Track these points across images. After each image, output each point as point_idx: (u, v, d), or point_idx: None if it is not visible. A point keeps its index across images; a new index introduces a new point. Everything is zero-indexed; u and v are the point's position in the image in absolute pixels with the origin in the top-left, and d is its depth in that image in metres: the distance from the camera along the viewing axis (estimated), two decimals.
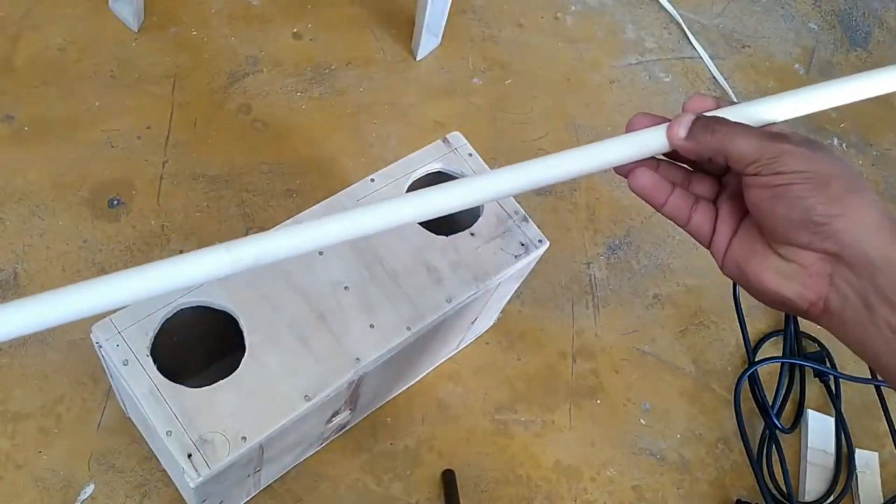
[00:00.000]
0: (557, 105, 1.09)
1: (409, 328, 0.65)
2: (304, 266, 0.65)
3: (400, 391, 0.85)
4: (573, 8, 1.19)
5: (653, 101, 1.13)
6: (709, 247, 0.50)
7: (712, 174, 0.51)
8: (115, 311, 0.59)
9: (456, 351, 0.88)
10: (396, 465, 0.82)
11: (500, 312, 0.90)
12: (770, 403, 0.92)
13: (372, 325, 0.64)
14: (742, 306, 0.96)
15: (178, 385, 0.58)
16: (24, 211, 0.86)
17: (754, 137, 0.45)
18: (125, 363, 0.58)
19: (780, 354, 0.97)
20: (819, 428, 0.93)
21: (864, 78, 0.51)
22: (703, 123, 0.47)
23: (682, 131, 0.47)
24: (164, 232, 0.87)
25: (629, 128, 0.50)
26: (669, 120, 0.49)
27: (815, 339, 0.99)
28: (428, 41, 1.06)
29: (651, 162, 0.50)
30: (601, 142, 0.49)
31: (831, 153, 0.45)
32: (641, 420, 0.90)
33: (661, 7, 1.22)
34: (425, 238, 0.69)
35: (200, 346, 0.69)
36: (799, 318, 0.99)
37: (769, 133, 0.45)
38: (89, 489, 0.74)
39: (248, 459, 0.60)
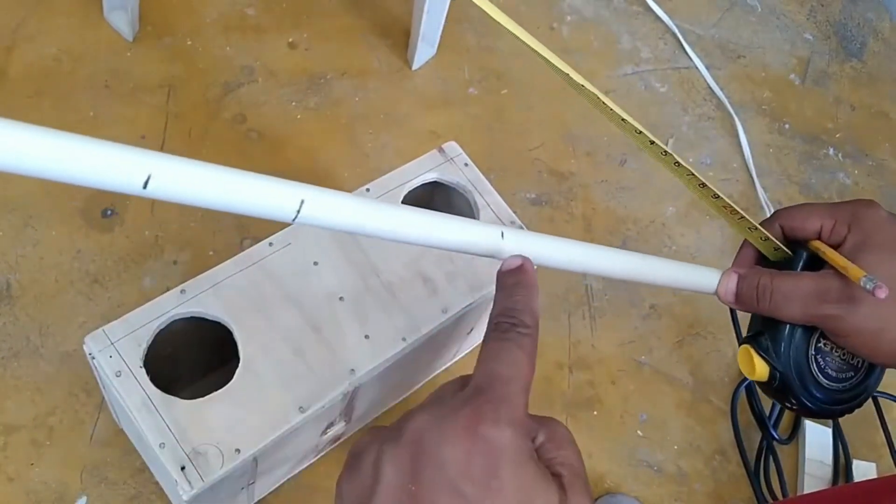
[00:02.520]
0: (553, 115, 1.09)
1: (404, 339, 0.64)
2: (299, 277, 0.65)
3: (395, 403, 0.85)
4: (569, 18, 1.19)
5: (649, 112, 1.13)
6: None
7: None
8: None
9: (452, 362, 0.88)
10: None
11: None
12: (767, 414, 0.92)
13: (367, 336, 0.63)
14: (738, 317, 0.96)
15: (171, 397, 0.58)
16: (17, 221, 0.85)
17: (796, 305, 0.47)
18: (118, 374, 0.58)
19: None
20: (816, 439, 0.92)
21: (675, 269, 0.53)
22: (746, 289, 0.50)
23: (729, 297, 0.51)
24: (157, 242, 0.87)
25: None
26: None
27: None
28: (424, 51, 1.06)
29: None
30: (668, 262, 0.53)
31: (868, 302, 0.46)
32: (638, 431, 0.90)
33: (657, 17, 1.23)
34: (420, 248, 0.68)
35: (194, 357, 0.69)
36: None
37: (814, 293, 0.47)
38: (81, 502, 0.73)
39: (242, 472, 0.60)
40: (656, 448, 0.89)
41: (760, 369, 0.50)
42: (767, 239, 0.52)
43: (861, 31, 1.32)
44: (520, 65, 1.12)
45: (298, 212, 0.31)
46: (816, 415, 0.51)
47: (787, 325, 0.49)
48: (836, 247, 0.49)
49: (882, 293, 0.42)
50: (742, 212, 0.51)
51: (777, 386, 0.50)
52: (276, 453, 0.63)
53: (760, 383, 0.51)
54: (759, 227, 0.51)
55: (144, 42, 1.00)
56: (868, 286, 0.43)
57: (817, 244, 0.50)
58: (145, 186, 0.27)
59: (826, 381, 0.50)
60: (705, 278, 0.53)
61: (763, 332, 0.50)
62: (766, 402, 0.93)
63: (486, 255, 0.43)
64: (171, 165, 0.28)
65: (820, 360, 0.50)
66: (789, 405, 0.51)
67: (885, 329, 0.45)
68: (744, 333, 0.53)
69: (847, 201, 0.50)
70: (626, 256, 0.50)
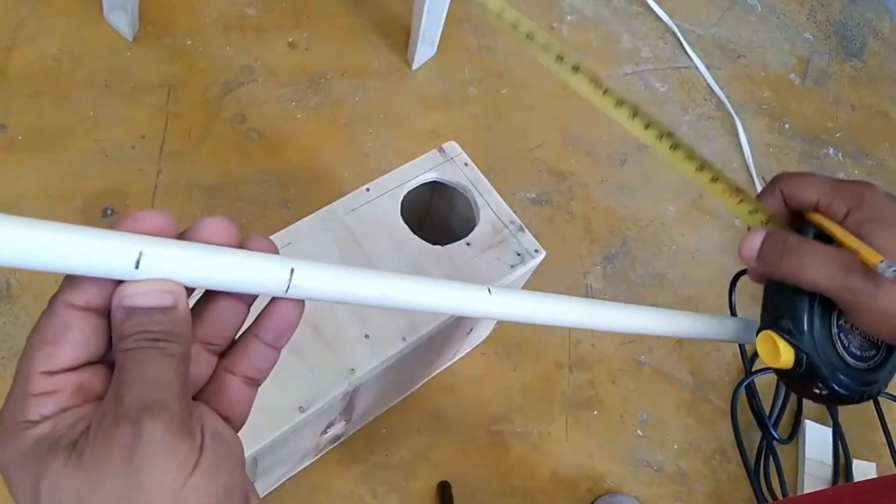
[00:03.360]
0: (553, 115, 1.09)
1: (404, 339, 0.64)
2: None
3: (395, 402, 0.85)
4: (569, 18, 1.19)
5: (649, 111, 1.13)
6: None
7: None
8: None
9: (452, 362, 0.88)
10: (392, 476, 0.81)
11: (497, 323, 0.89)
12: (767, 414, 0.92)
13: (367, 336, 0.63)
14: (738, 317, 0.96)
15: None
16: None
17: (822, 269, 0.44)
18: None
19: None
20: (817, 439, 0.92)
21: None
22: (772, 245, 0.47)
23: (752, 251, 0.47)
24: None
25: None
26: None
27: None
28: (424, 51, 1.06)
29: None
30: (691, 315, 0.50)
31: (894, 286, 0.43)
32: (638, 431, 0.90)
33: (657, 17, 1.23)
34: (420, 247, 0.68)
35: None
36: None
37: (840, 263, 0.44)
38: None
39: None
40: (656, 448, 0.89)
41: (786, 354, 0.47)
42: (769, 221, 0.50)
43: (861, 30, 1.32)
44: (520, 64, 1.12)
45: (290, 281, 0.32)
46: (845, 399, 0.48)
47: (807, 302, 0.46)
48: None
49: None
50: (743, 193, 0.49)
51: (804, 371, 0.47)
52: (275, 453, 0.63)
53: (782, 372, 0.48)
54: (760, 208, 0.49)
55: (144, 42, 1.00)
56: (888, 273, 0.41)
57: (821, 220, 0.47)
58: (137, 266, 0.28)
59: (852, 361, 0.47)
60: (734, 329, 0.51)
61: (782, 314, 0.47)
62: (767, 402, 0.93)
63: (479, 317, 0.41)
64: (161, 251, 0.29)
65: (843, 338, 0.47)
66: (817, 391, 0.48)
67: None
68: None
69: (849, 181, 0.48)
70: (643, 315, 0.48)
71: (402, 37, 1.08)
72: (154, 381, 0.27)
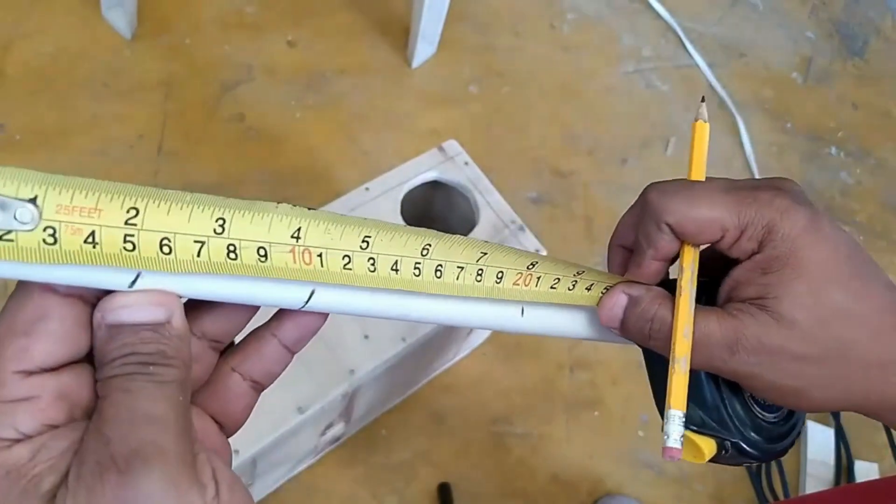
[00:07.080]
0: (554, 113, 1.08)
1: (403, 340, 0.64)
2: None
3: (395, 403, 0.84)
4: (570, 16, 1.18)
5: (650, 110, 1.13)
6: None
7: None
8: None
9: (452, 362, 0.87)
10: (392, 478, 0.81)
11: None
12: None
13: (366, 337, 0.63)
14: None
15: None
16: None
17: (702, 358, 0.34)
18: None
19: None
20: (819, 439, 0.92)
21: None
22: (636, 319, 0.35)
23: (612, 322, 0.36)
24: None
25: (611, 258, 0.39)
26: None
27: None
28: (423, 49, 1.05)
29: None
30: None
31: (789, 357, 0.33)
32: (640, 432, 0.89)
33: (658, 16, 1.22)
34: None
35: None
36: None
37: (724, 341, 0.33)
38: None
39: (241, 473, 0.59)
40: (658, 449, 0.89)
41: (708, 447, 0.38)
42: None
43: (863, 29, 1.32)
44: (520, 63, 1.11)
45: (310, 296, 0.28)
46: (773, 457, 0.39)
47: (707, 380, 0.37)
48: (737, 260, 0.34)
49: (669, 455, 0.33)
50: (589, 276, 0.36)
51: (730, 453, 0.38)
52: (274, 454, 0.63)
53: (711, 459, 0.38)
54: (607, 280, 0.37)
55: (142, 40, 0.99)
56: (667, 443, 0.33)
57: (683, 275, 0.35)
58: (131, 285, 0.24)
59: (770, 416, 0.39)
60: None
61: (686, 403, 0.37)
62: None
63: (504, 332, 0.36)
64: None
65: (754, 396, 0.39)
66: (746, 463, 0.38)
67: (808, 387, 0.34)
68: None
69: (755, 192, 0.33)
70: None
71: (401, 35, 1.07)
72: (146, 416, 0.22)
